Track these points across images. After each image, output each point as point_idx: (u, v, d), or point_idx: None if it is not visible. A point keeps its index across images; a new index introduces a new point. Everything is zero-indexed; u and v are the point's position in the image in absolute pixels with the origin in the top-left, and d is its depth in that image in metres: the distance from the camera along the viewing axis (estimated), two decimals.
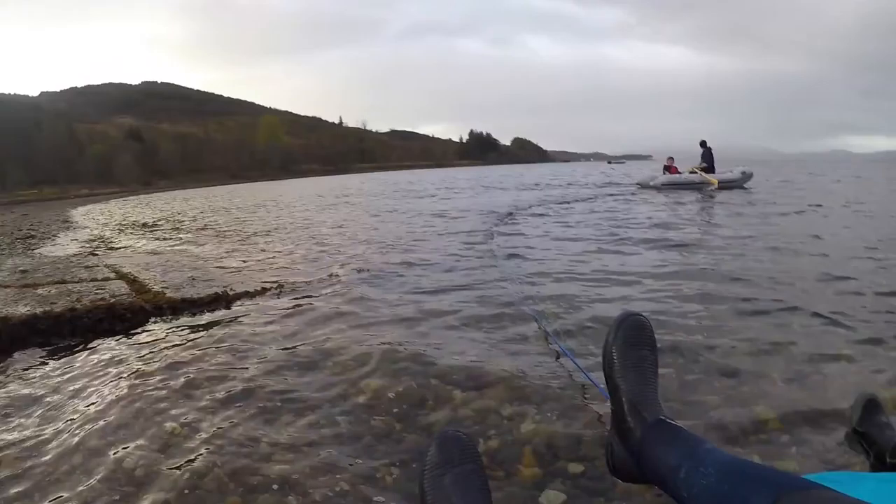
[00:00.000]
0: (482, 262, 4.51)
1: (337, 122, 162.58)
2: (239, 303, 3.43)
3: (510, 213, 8.84)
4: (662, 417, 0.96)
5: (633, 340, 1.08)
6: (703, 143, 13.94)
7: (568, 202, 11.02)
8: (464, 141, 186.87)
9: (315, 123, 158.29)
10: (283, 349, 2.50)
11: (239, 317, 3.10)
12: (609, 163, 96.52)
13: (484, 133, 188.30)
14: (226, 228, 8.75)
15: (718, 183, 12.95)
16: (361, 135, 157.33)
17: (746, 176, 13.44)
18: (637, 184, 14.78)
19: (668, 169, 14.30)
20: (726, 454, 0.84)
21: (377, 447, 1.66)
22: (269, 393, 2.03)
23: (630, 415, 1.00)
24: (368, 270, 4.30)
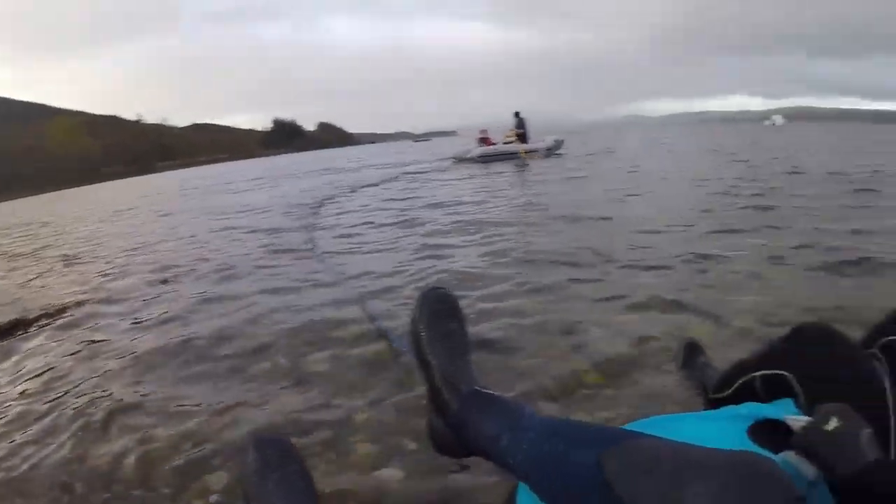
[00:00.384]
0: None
1: (136, 118, 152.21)
2: None
3: (320, 203, 7.49)
4: (478, 388, 0.94)
5: (438, 314, 1.05)
6: (516, 114, 13.78)
7: (374, 184, 9.85)
8: (268, 130, 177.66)
9: (113, 122, 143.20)
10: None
11: None
12: (415, 141, 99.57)
13: (288, 120, 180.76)
14: None
15: (527, 152, 12.89)
16: (162, 130, 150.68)
17: (558, 143, 13.60)
18: (453, 157, 14.10)
19: (484, 141, 14.05)
20: (546, 417, 0.86)
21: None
22: None
23: (444, 388, 0.97)
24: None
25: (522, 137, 13.27)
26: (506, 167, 10.90)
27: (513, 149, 12.93)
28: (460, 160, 13.46)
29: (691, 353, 1.49)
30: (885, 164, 7.08)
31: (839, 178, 5.93)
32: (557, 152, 13.40)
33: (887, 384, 0.82)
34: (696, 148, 14.90)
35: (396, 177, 10.87)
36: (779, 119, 58.49)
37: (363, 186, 9.40)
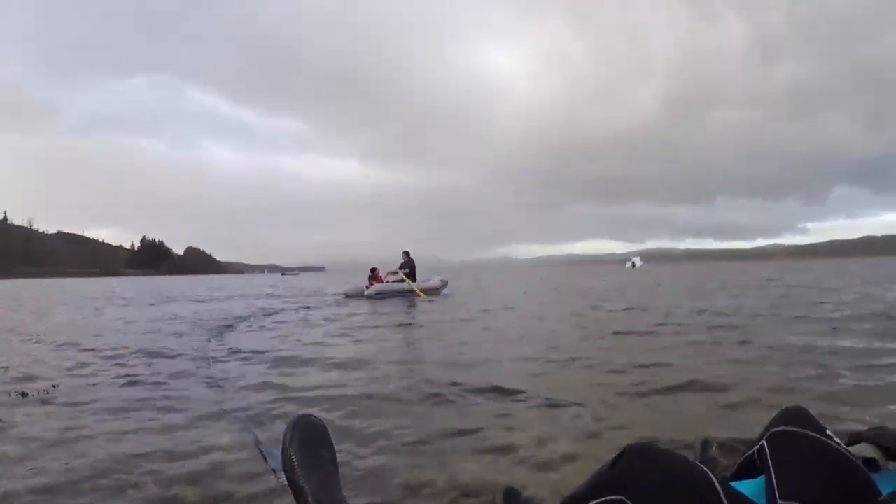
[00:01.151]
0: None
1: (1, 217, 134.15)
2: None
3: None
4: None
5: (309, 442, 1.12)
6: (406, 253, 14.29)
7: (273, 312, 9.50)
8: (135, 248, 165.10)
9: None
10: None
11: None
12: (283, 274, 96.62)
13: (157, 241, 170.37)
14: None
15: (422, 291, 13.31)
16: (28, 234, 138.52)
17: (444, 283, 14.33)
18: (344, 294, 13.95)
19: (374, 278, 13.85)
20: None
21: None
22: None
23: None
24: None
25: (411, 276, 13.89)
26: (396, 305, 11.16)
27: (406, 287, 13.28)
28: (350, 296, 13.45)
29: (705, 448, 1.62)
30: (708, 306, 8.36)
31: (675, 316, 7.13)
32: (443, 292, 14.03)
33: (719, 489, 0.88)
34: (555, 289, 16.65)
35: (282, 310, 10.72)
36: (637, 261, 65.89)
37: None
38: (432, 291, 13.57)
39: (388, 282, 13.58)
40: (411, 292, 13.12)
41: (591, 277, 29.70)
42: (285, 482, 1.16)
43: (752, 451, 1.12)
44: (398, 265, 14.06)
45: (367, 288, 13.19)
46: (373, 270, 14.18)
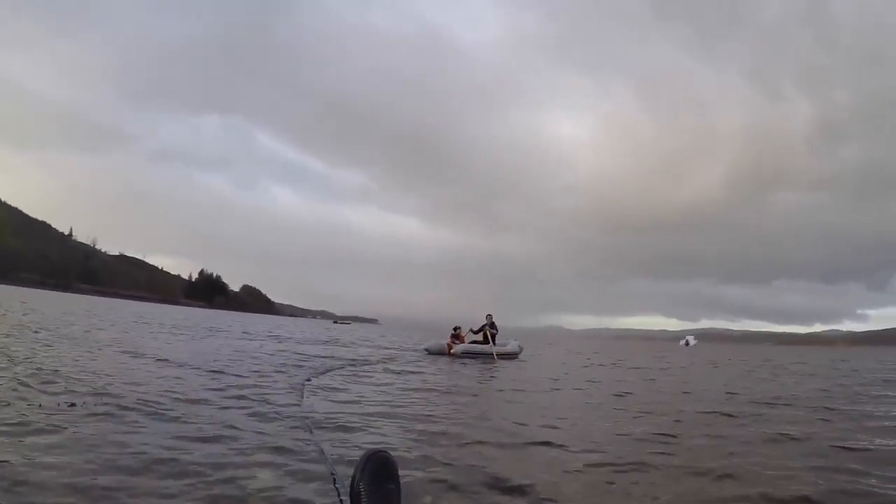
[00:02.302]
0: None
1: (67, 232, 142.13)
2: None
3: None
4: None
5: (379, 475, 1.20)
6: (489, 316, 15.25)
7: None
8: (193, 279, 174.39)
9: (43, 228, 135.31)
10: None
11: None
12: (335, 322, 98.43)
13: (215, 275, 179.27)
14: None
15: (501, 354, 14.15)
16: (90, 252, 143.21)
17: (520, 348, 15.29)
18: (425, 349, 14.75)
19: (457, 337, 14.62)
20: None
21: None
22: None
23: None
24: None
25: (493, 338, 14.65)
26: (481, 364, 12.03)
27: (489, 349, 14.03)
28: (432, 353, 14.28)
29: None
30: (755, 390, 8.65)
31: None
32: (518, 356, 14.80)
33: None
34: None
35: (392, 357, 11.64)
36: (692, 339, 64.10)
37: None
38: (510, 356, 14.18)
39: (470, 342, 14.37)
40: (492, 354, 13.79)
41: (647, 354, 29.28)
42: None
43: None
44: (479, 326, 14.94)
45: (451, 346, 14.06)
46: (455, 329, 15.06)
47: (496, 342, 14.59)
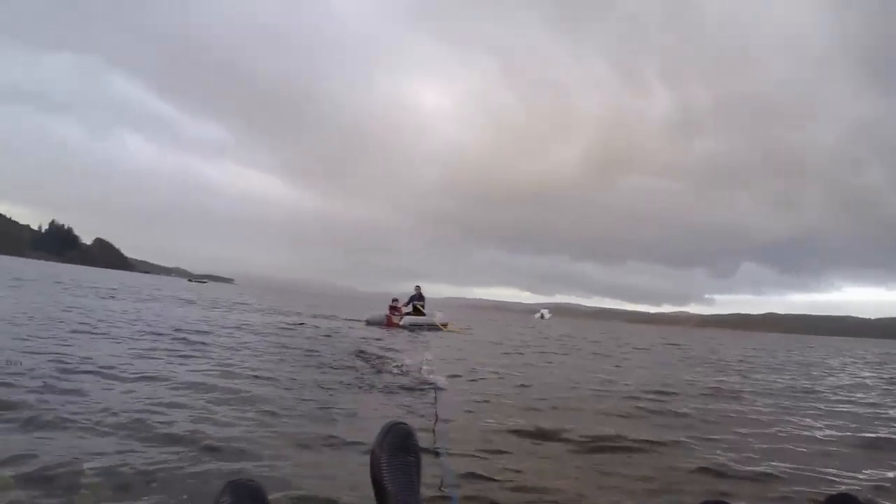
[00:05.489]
0: None
1: None
2: None
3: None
4: None
5: (399, 446, 1.22)
6: (417, 288, 16.12)
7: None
8: (43, 230, 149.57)
9: None
10: None
11: None
12: (190, 280, 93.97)
13: (66, 227, 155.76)
14: None
15: (443, 325, 15.06)
16: None
17: (447, 319, 16.08)
18: (366, 321, 15.08)
19: (396, 309, 15.32)
20: None
21: None
22: None
23: None
24: None
25: (422, 309, 15.58)
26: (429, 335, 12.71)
27: (435, 320, 14.86)
28: (372, 324, 14.65)
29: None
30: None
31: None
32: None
33: None
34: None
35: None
36: (546, 312, 68.43)
37: None
38: (445, 326, 15.21)
39: (407, 313, 15.18)
40: (433, 325, 14.73)
41: (508, 323, 32.35)
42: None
43: None
44: (408, 297, 15.76)
45: (391, 318, 14.75)
46: (394, 300, 15.72)
47: (424, 313, 15.51)
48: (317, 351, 7.43)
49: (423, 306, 15.64)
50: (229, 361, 5.71)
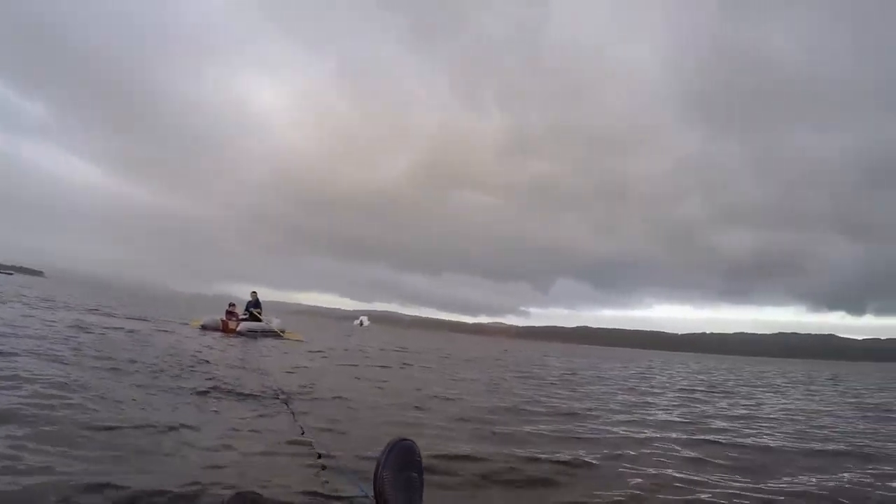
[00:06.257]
0: None
1: None
2: None
3: None
4: None
5: (402, 463, 1.28)
6: (254, 293, 16.78)
7: None
8: None
9: None
10: None
11: None
12: None
13: None
14: None
15: (283, 332, 15.80)
16: None
17: (283, 326, 16.88)
18: (202, 326, 15.02)
19: (232, 314, 15.69)
20: None
21: None
22: None
23: None
24: None
25: (258, 315, 16.04)
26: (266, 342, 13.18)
27: (273, 327, 15.39)
28: (207, 329, 14.67)
29: None
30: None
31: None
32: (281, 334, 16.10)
33: None
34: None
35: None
36: (366, 320, 69.71)
37: None
38: (283, 334, 15.81)
39: (244, 318, 15.52)
40: (272, 332, 15.37)
41: (329, 329, 33.52)
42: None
43: None
44: (249, 304, 16.16)
45: (228, 323, 14.93)
46: (231, 305, 15.89)
47: (261, 319, 16.03)
48: (144, 359, 6.82)
49: (259, 312, 16.19)
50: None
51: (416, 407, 5.87)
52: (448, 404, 6.34)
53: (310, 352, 12.52)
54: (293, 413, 4.60)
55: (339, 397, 5.85)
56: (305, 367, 8.97)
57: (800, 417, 7.98)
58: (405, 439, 1.31)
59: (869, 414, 8.98)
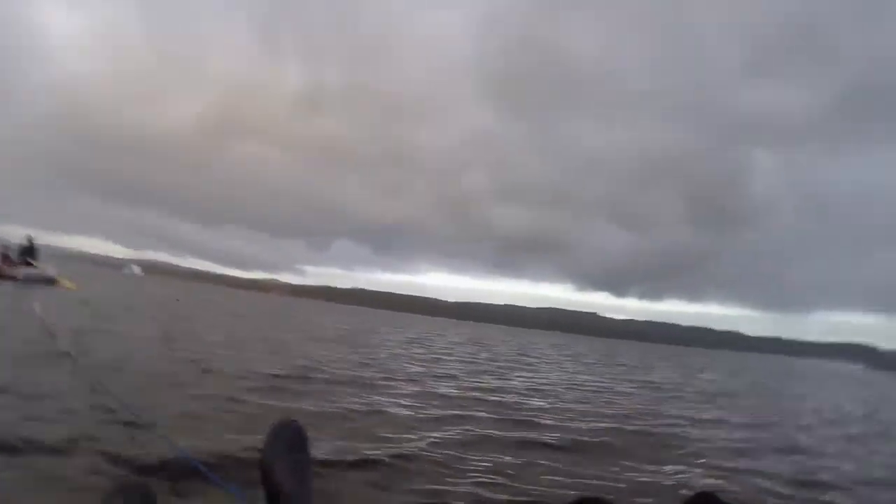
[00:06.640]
0: None
1: None
2: None
3: None
4: None
5: (289, 446, 1.23)
6: (28, 238, 16.76)
7: None
8: None
9: None
10: None
11: None
12: None
13: None
14: None
15: (60, 281, 16.50)
16: None
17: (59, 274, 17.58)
18: None
19: (6, 259, 15.95)
20: None
21: None
22: None
23: None
24: None
25: (33, 263, 16.37)
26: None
27: (53, 275, 15.89)
28: None
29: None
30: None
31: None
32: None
33: None
34: None
35: None
36: (137, 269, 64.51)
37: None
38: (60, 282, 16.39)
39: (20, 264, 15.86)
40: (54, 279, 16.08)
41: (101, 278, 31.98)
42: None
43: None
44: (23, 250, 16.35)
45: (3, 270, 15.08)
46: (4, 248, 15.75)
47: (36, 266, 16.49)
48: None
49: (36, 258, 16.63)
50: None
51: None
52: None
53: (87, 299, 13.68)
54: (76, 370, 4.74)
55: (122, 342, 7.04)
56: (83, 315, 10.17)
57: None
58: (291, 420, 1.27)
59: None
